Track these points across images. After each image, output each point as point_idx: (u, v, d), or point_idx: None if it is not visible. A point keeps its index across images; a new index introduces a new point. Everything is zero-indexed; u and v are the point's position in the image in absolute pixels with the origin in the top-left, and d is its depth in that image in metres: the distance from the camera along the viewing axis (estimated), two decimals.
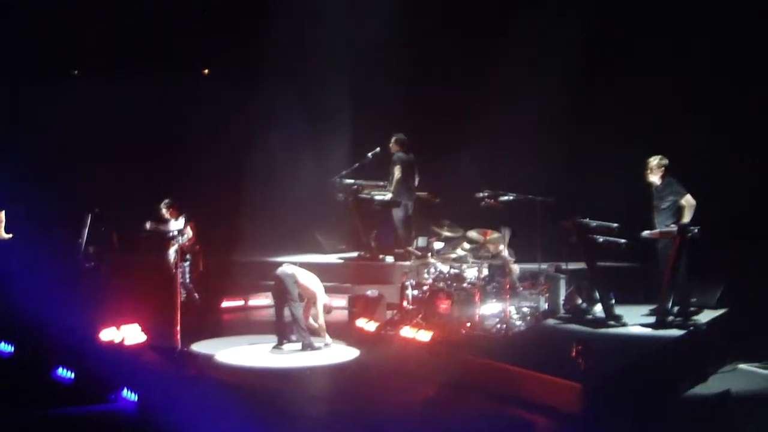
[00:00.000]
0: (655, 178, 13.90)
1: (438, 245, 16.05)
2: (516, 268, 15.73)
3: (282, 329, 14.57)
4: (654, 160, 13.91)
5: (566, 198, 15.63)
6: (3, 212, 17.50)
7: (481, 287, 14.99)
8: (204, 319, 16.19)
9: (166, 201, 16.91)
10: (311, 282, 14.68)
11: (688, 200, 13.59)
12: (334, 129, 20.58)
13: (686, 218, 13.48)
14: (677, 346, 12.69)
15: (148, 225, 16.65)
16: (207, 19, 21.59)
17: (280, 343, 14.49)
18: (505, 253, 15.62)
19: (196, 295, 16.85)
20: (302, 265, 15.11)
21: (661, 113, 17.37)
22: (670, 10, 17.54)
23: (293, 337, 14.46)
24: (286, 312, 14.50)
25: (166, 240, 16.24)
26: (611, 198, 15.57)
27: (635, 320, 13.61)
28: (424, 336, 14.47)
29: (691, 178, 13.83)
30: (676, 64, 17.43)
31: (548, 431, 10.56)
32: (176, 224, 16.71)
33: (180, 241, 16.44)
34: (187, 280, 16.70)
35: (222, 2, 21.57)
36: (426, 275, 15.66)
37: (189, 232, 16.59)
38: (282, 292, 14.50)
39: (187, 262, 16.69)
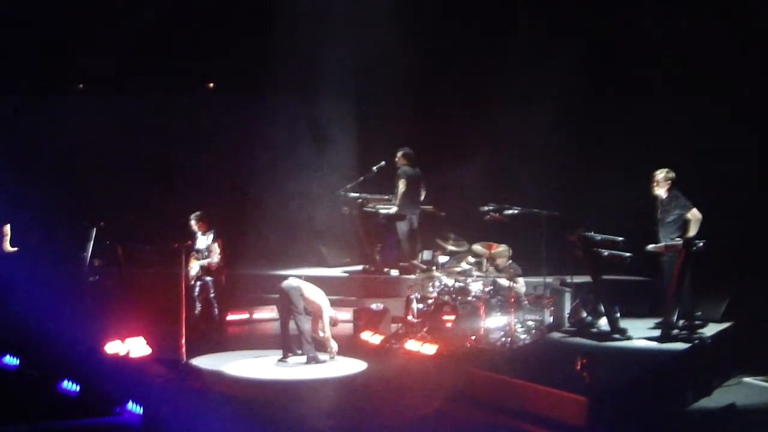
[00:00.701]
0: (661, 191, 13.92)
1: (443, 259, 16.09)
2: (521, 281, 15.75)
3: (287, 342, 14.58)
4: (660, 173, 13.94)
5: (571, 212, 15.63)
6: (8, 225, 17.52)
7: (485, 301, 15.00)
8: (209, 332, 16.18)
9: (197, 213, 16.82)
10: (316, 296, 14.69)
11: (694, 214, 13.61)
12: (339, 142, 20.58)
13: (692, 232, 13.51)
14: (682, 359, 12.68)
15: (192, 271, 16.64)
16: (210, 31, 21.60)
17: (285, 356, 14.50)
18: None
19: (216, 310, 16.83)
20: (307, 278, 15.13)
21: (667, 126, 17.34)
22: (677, 20, 17.52)
23: (298, 351, 14.47)
24: (292, 325, 14.51)
25: (187, 254, 16.08)
26: (616, 212, 15.58)
27: (640, 333, 13.62)
28: (429, 349, 14.48)
29: (696, 190, 13.85)
30: (683, 74, 17.39)
31: None
32: (203, 240, 16.69)
33: (207, 259, 16.47)
34: (211, 295, 16.67)
35: (225, 13, 21.56)
36: (431, 288, 15.67)
37: (216, 250, 16.58)
38: (287, 305, 14.51)
39: (210, 278, 16.67)
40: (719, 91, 16.84)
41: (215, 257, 16.50)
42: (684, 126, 17.03)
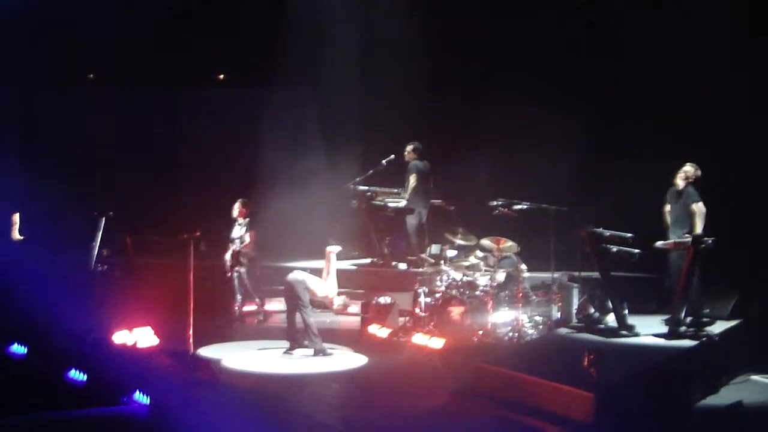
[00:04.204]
0: (681, 182, 13.92)
1: (451, 253, 16.07)
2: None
3: (293, 334, 14.62)
4: (691, 169, 13.95)
5: (580, 207, 15.61)
6: (17, 214, 17.54)
7: (493, 295, 14.98)
8: (217, 324, 16.22)
9: (242, 200, 16.96)
10: (321, 287, 14.75)
11: (699, 207, 13.63)
12: (348, 135, 20.56)
13: (697, 225, 13.55)
14: (690, 356, 12.68)
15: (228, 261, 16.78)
16: (220, 24, 21.60)
17: (291, 349, 14.54)
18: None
19: (257, 300, 16.88)
20: (314, 271, 15.16)
21: (679, 122, 17.28)
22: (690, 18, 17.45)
23: (305, 343, 14.49)
24: (298, 318, 14.54)
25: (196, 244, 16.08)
26: (626, 208, 15.57)
27: (648, 330, 13.61)
28: (437, 343, 14.44)
29: (707, 187, 13.85)
30: (697, 71, 17.31)
31: None
32: (238, 229, 16.78)
33: (236, 246, 16.56)
34: (247, 286, 16.75)
35: (235, 7, 21.56)
36: (439, 282, 15.65)
37: (247, 239, 16.66)
38: (293, 297, 14.56)
39: (243, 268, 16.73)
40: (733, 88, 16.80)
41: (241, 243, 16.59)
42: (696, 123, 16.97)
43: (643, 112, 17.94)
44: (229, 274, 16.68)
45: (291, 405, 11.98)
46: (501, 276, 15.58)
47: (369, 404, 12.16)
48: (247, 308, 17.43)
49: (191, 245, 14.03)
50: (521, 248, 15.72)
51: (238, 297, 16.79)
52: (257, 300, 16.94)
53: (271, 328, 16.43)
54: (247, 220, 16.88)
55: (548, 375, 11.32)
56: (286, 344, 14.66)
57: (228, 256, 16.72)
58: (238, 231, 16.81)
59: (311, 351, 14.41)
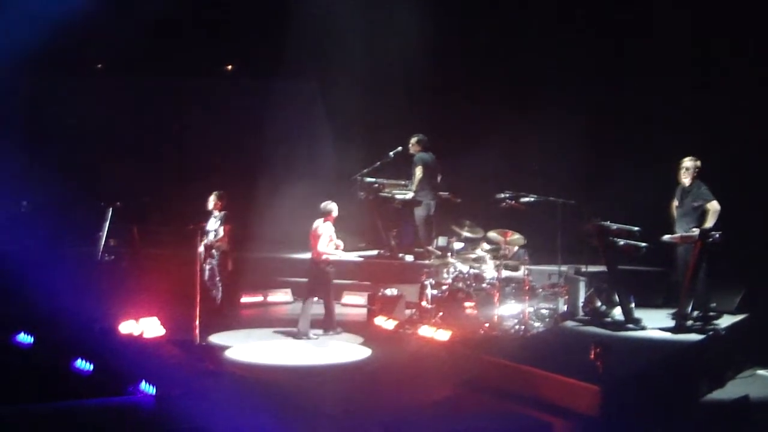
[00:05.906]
0: (687, 180, 13.88)
1: (458, 245, 16.05)
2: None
3: (308, 320, 14.81)
4: (692, 162, 13.88)
5: (588, 200, 15.59)
6: (24, 203, 17.57)
7: (500, 288, 14.97)
8: (223, 315, 16.22)
9: (218, 192, 16.78)
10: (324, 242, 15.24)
11: (713, 206, 13.55)
12: (355, 127, 20.55)
13: (709, 223, 13.45)
14: (696, 350, 12.67)
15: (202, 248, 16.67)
16: (228, 16, 21.60)
17: (305, 335, 14.71)
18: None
19: (218, 294, 16.74)
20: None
21: (684, 115, 17.25)
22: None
23: (321, 329, 14.65)
24: (318, 302, 14.71)
25: (201, 235, 15.95)
26: (633, 201, 15.53)
27: (654, 324, 13.59)
28: (443, 335, 14.44)
29: (713, 180, 13.81)
30: (703, 64, 17.29)
31: None
32: (213, 221, 16.67)
33: (210, 239, 16.43)
34: (216, 277, 16.64)
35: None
36: (445, 275, 15.65)
37: (220, 232, 16.52)
38: (316, 280, 14.78)
39: (215, 259, 16.63)
40: (739, 82, 16.76)
41: (213, 237, 16.42)
42: (701, 116, 16.93)
43: (651, 105, 17.90)
44: (204, 264, 16.51)
45: (297, 396, 11.97)
46: (521, 272, 15.52)
47: (374, 396, 12.16)
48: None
49: (198, 235, 14.04)
50: (528, 241, 15.72)
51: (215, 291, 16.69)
52: (219, 295, 16.74)
53: (277, 319, 16.47)
54: (223, 213, 16.70)
55: (554, 368, 11.31)
56: (293, 335, 14.77)
57: (201, 248, 16.56)
58: (213, 224, 16.64)
59: (324, 337, 14.58)
